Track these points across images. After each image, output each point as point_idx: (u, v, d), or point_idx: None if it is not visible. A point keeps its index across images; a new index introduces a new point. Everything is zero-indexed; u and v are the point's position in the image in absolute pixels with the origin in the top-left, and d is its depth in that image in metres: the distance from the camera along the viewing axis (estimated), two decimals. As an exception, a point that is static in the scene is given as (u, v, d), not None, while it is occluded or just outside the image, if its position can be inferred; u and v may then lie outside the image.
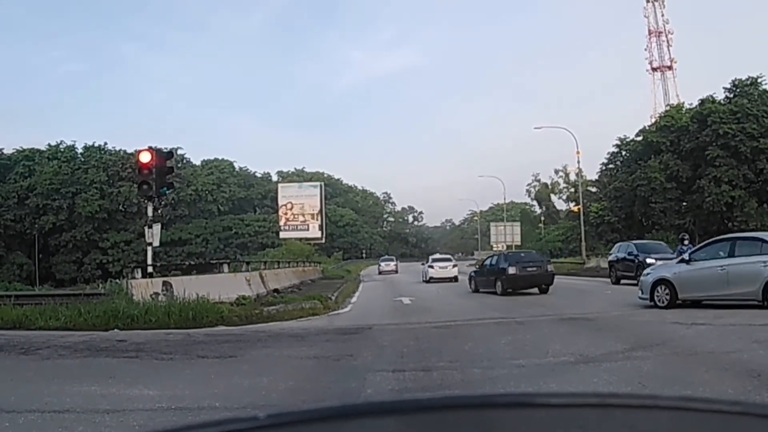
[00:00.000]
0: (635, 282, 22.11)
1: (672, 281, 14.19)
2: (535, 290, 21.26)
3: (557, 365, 7.88)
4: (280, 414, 0.92)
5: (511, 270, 21.60)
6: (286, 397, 6.59)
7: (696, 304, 13.85)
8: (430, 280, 33.46)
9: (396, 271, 51.18)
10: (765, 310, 12.60)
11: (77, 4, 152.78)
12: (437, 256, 41.36)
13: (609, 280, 26.88)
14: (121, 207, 77.05)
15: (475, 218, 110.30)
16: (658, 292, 14.35)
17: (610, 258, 27.97)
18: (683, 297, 14.05)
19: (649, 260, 20.93)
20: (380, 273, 50.82)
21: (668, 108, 61.39)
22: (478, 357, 8.68)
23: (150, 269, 17.07)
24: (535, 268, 22.06)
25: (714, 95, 51.38)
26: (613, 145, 59.97)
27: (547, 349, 9.01)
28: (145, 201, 18.06)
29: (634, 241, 28.30)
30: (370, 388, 6.90)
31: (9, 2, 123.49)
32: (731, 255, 13.42)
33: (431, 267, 34.88)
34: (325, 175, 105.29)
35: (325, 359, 9.08)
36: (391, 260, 56.85)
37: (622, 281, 25.01)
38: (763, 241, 13.27)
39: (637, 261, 23.86)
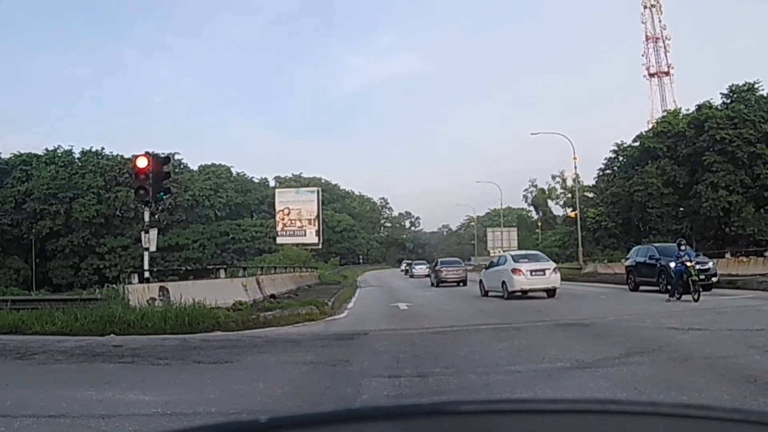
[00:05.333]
0: (657, 289, 21.55)
1: None
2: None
3: (553, 371, 7.86)
4: (282, 417, 0.92)
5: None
6: (281, 402, 6.57)
7: None
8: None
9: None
10: (762, 315, 12.63)
11: (78, 7, 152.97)
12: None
13: (607, 286, 26.66)
14: (118, 212, 76.99)
15: (472, 224, 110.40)
16: None
17: (627, 263, 26.04)
18: None
19: (672, 264, 18.89)
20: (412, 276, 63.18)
21: (665, 113, 61.66)
22: (474, 363, 8.66)
23: (147, 274, 17.04)
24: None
25: (711, 101, 51.71)
26: (611, 151, 60.40)
27: (543, 354, 8.99)
28: (142, 206, 18.04)
29: (656, 244, 25.86)
30: (366, 393, 6.88)
31: (7, 4, 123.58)
32: None
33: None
34: (323, 181, 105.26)
35: (321, 365, 9.06)
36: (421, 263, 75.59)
37: (642, 288, 23.40)
38: None
39: (659, 266, 21.91)
